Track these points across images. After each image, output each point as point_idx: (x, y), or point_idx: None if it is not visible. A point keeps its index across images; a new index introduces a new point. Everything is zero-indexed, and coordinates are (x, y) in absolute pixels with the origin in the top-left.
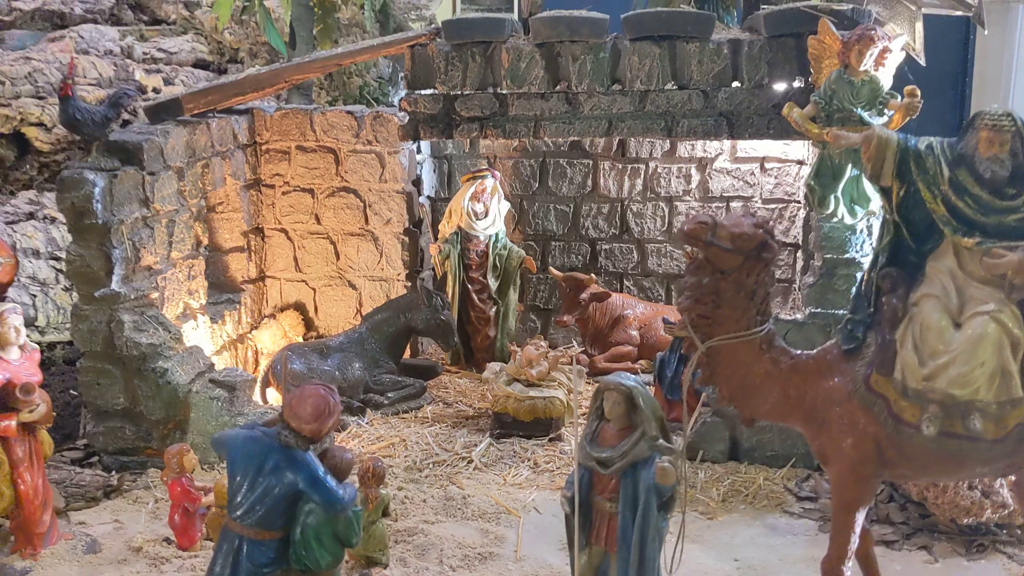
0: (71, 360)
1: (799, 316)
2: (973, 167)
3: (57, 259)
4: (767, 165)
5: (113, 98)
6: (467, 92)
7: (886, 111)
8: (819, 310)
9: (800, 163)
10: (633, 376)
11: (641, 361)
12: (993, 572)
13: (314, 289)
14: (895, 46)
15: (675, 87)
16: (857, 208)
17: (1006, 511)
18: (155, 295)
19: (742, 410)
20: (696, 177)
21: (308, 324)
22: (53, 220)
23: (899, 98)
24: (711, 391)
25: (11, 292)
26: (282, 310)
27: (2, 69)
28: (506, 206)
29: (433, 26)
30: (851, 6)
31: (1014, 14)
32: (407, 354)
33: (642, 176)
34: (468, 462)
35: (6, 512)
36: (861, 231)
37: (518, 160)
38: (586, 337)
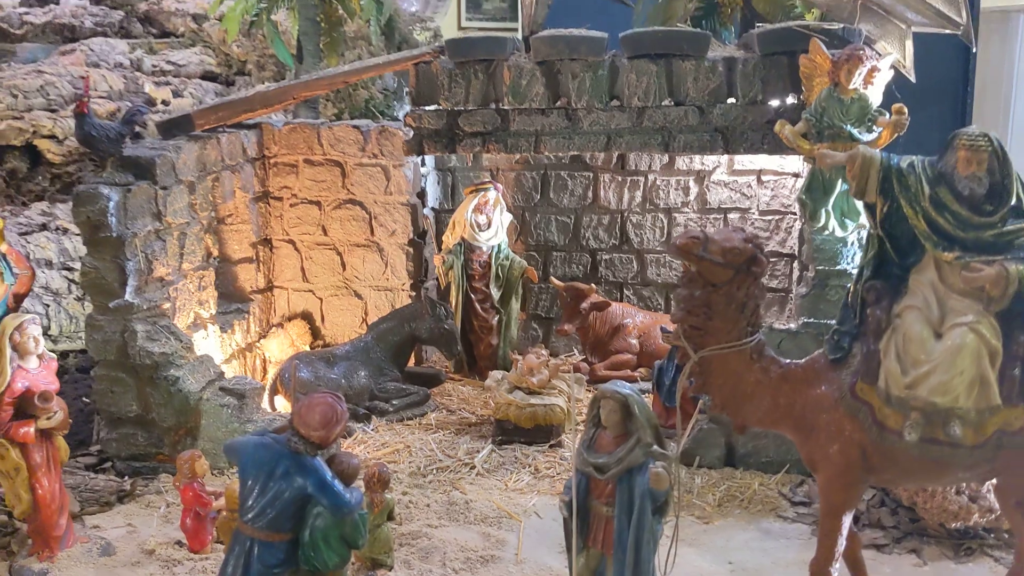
0: (84, 368)
1: (793, 326)
2: (952, 185)
3: (69, 269)
4: (764, 178)
5: (127, 115)
6: (470, 108)
7: (875, 128)
8: (812, 320)
9: (796, 176)
10: (629, 385)
11: (640, 369)
12: (981, 575)
13: (321, 299)
14: (883, 65)
15: (672, 103)
16: (848, 221)
17: (993, 515)
18: (167, 305)
19: (734, 418)
20: (694, 189)
21: (315, 333)
22: (65, 231)
23: (887, 115)
24: (706, 399)
25: (25, 302)
26: (290, 319)
27: (14, 82)
28: (508, 217)
29: (437, 44)
30: (842, 26)
31: (1014, 24)
32: (411, 362)
33: (641, 188)
34: (470, 468)
35: (24, 516)
36: (852, 243)
37: (520, 173)
38: (586, 345)
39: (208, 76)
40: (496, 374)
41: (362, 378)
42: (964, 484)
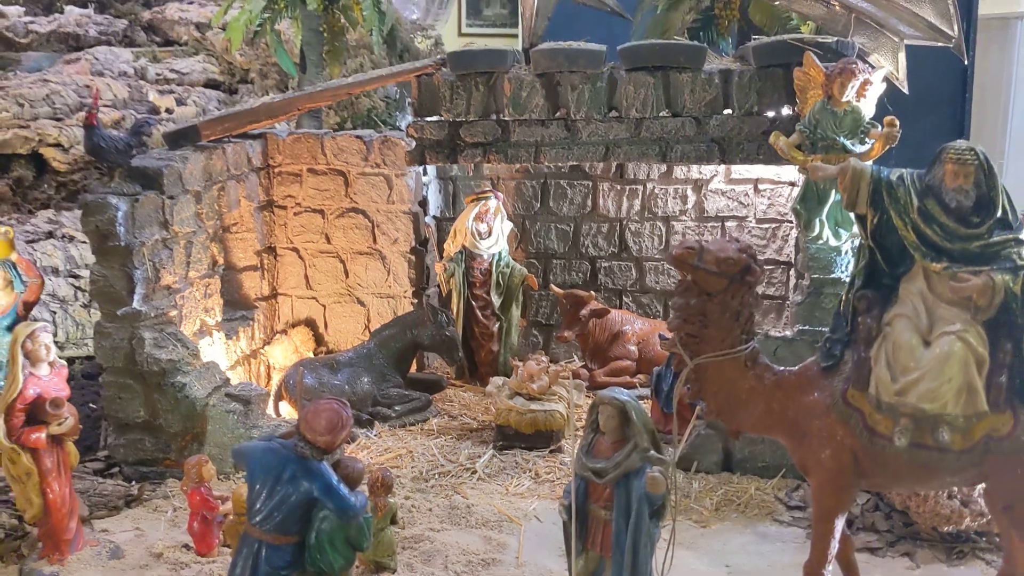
0: (90, 375)
1: (789, 333)
2: (940, 197)
3: (76, 277)
4: (760, 186)
5: (135, 127)
6: (471, 119)
7: (867, 140)
8: (807, 327)
9: (792, 184)
10: (626, 391)
11: (639, 375)
12: None
13: (324, 306)
14: (876, 78)
15: (669, 114)
16: (841, 231)
17: (985, 519)
18: (174, 313)
19: (729, 423)
20: (692, 198)
21: (318, 340)
22: (72, 239)
23: (879, 127)
24: (702, 405)
25: (33, 309)
26: (294, 326)
27: (20, 91)
28: (509, 226)
29: (439, 57)
30: (836, 39)
31: (1012, 31)
32: (413, 368)
33: (640, 197)
34: (472, 473)
35: (35, 520)
36: (846, 252)
37: (520, 181)
38: (586, 352)
39: (211, 84)
40: (497, 380)
41: (365, 384)
42: (956, 488)
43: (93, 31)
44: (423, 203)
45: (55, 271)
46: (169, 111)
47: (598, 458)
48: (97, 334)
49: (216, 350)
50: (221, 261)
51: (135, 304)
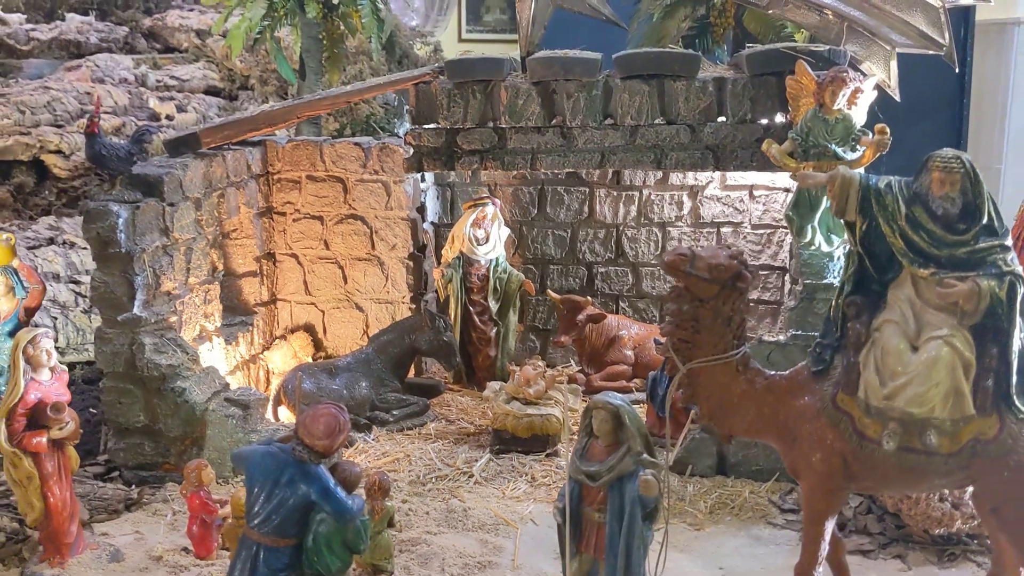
0: (90, 380)
1: (782, 338)
2: (927, 204)
3: (76, 283)
4: (756, 192)
5: (136, 135)
6: (468, 127)
7: (858, 147)
8: (800, 332)
9: (787, 191)
10: (620, 395)
11: (636, 380)
12: None
13: (323, 311)
14: (867, 86)
15: (664, 122)
16: (833, 237)
17: (976, 521)
18: (174, 319)
19: (721, 427)
20: (688, 204)
21: (317, 345)
22: (72, 245)
23: (870, 135)
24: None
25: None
26: (292, 331)
27: (21, 98)
28: (506, 232)
29: (437, 65)
30: (828, 47)
31: (1010, 36)
32: (411, 373)
33: (636, 203)
34: (469, 476)
35: (36, 523)
36: (838, 258)
37: (518, 188)
38: (583, 357)
39: (212, 91)
40: (494, 385)
41: (363, 389)
42: (947, 491)
43: (94, 38)
44: (421, 209)
45: (56, 277)
46: (170, 118)
47: (592, 462)
48: (98, 339)
49: (216, 355)
50: (221, 267)
51: (135, 310)
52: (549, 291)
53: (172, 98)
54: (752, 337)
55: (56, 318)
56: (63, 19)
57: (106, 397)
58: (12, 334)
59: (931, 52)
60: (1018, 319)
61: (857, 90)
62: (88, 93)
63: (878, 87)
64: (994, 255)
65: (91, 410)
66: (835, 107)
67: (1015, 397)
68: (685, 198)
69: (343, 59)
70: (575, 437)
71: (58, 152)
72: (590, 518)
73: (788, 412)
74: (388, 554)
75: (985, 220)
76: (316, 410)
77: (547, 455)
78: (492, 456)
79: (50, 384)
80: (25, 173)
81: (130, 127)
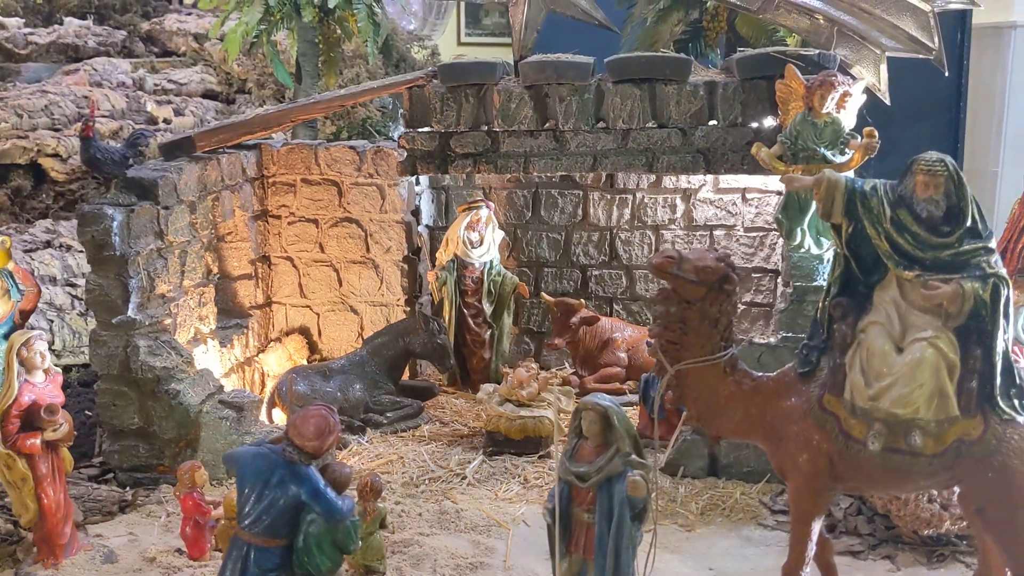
0: (86, 382)
1: (773, 340)
2: (912, 207)
3: (73, 286)
4: (748, 195)
5: (131, 138)
6: (461, 130)
7: (847, 150)
8: (790, 334)
9: (779, 194)
10: (609, 397)
11: (629, 382)
12: None
13: (318, 314)
14: (855, 90)
15: (655, 126)
16: (823, 239)
17: (964, 523)
18: (168, 321)
19: (709, 428)
20: (681, 207)
21: (312, 348)
22: (69, 248)
23: (859, 139)
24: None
25: (30, 318)
26: (287, 334)
27: (19, 102)
28: (500, 235)
29: (431, 69)
30: (817, 51)
31: (1006, 39)
32: (406, 376)
33: (630, 206)
34: (462, 478)
35: (30, 524)
36: (828, 261)
37: (512, 191)
38: (576, 359)
39: (209, 95)
40: (487, 387)
41: (357, 391)
42: (936, 492)
43: (92, 42)
44: (416, 213)
45: (52, 280)
46: (167, 121)
47: (581, 462)
48: (92, 342)
49: (210, 358)
50: (216, 270)
51: (130, 312)
52: (543, 294)
53: (170, 102)
54: (742, 339)
55: (52, 321)
56: (61, 23)
57: (100, 399)
58: (7, 336)
59: (921, 56)
60: (1002, 321)
61: (846, 94)
62: (86, 97)
63: (868, 91)
64: (978, 257)
65: (86, 413)
66: (824, 111)
67: (999, 398)
68: (678, 201)
69: (340, 63)
70: (566, 439)
71: (55, 156)
72: (579, 519)
73: (775, 413)
74: (380, 555)
75: (969, 223)
76: (306, 412)
77: (540, 457)
78: (485, 458)
79: (44, 386)
80: (22, 176)
81: (128, 131)
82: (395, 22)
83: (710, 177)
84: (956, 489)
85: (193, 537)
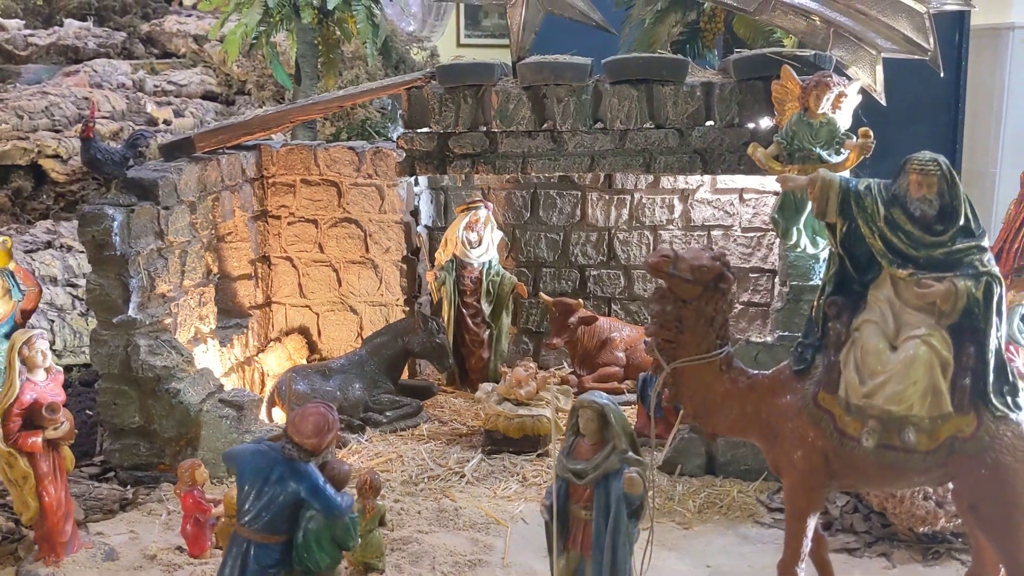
0: (87, 382)
1: (769, 339)
2: (905, 206)
3: (73, 286)
4: (746, 196)
5: (131, 139)
6: (460, 131)
7: (842, 150)
8: (787, 333)
9: (776, 194)
10: (605, 394)
11: (627, 381)
12: None
13: (317, 314)
14: (851, 90)
15: (652, 126)
16: (819, 239)
17: (960, 520)
18: (169, 321)
19: (705, 426)
20: (679, 207)
21: (312, 347)
22: (69, 248)
23: (855, 139)
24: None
25: (31, 318)
26: (287, 334)
27: (20, 103)
28: (499, 235)
29: (429, 70)
30: (813, 52)
31: (1004, 41)
32: (405, 375)
33: (628, 206)
34: (461, 476)
35: (31, 522)
36: (823, 260)
37: (510, 191)
38: (575, 359)
39: (209, 96)
40: (486, 386)
41: (357, 390)
42: (931, 490)
43: (92, 43)
44: (415, 213)
45: (53, 280)
46: (167, 122)
47: (578, 460)
48: (93, 341)
49: (211, 357)
50: (216, 270)
51: (130, 312)
52: (542, 294)
53: (169, 103)
54: (738, 338)
55: (53, 321)
56: (61, 25)
57: (101, 398)
58: (8, 336)
59: (916, 57)
60: (995, 318)
61: (841, 94)
62: (86, 98)
63: (864, 91)
64: (971, 256)
65: (87, 412)
66: (819, 111)
67: (992, 395)
68: (676, 202)
69: (339, 64)
70: (563, 438)
71: (56, 157)
72: (577, 516)
73: (770, 410)
74: (379, 552)
75: (962, 221)
76: (305, 409)
77: (538, 455)
78: (484, 456)
79: (45, 385)
80: (23, 177)
81: (128, 132)
82: (394, 23)
83: (708, 177)
84: (950, 486)
85: (193, 535)
